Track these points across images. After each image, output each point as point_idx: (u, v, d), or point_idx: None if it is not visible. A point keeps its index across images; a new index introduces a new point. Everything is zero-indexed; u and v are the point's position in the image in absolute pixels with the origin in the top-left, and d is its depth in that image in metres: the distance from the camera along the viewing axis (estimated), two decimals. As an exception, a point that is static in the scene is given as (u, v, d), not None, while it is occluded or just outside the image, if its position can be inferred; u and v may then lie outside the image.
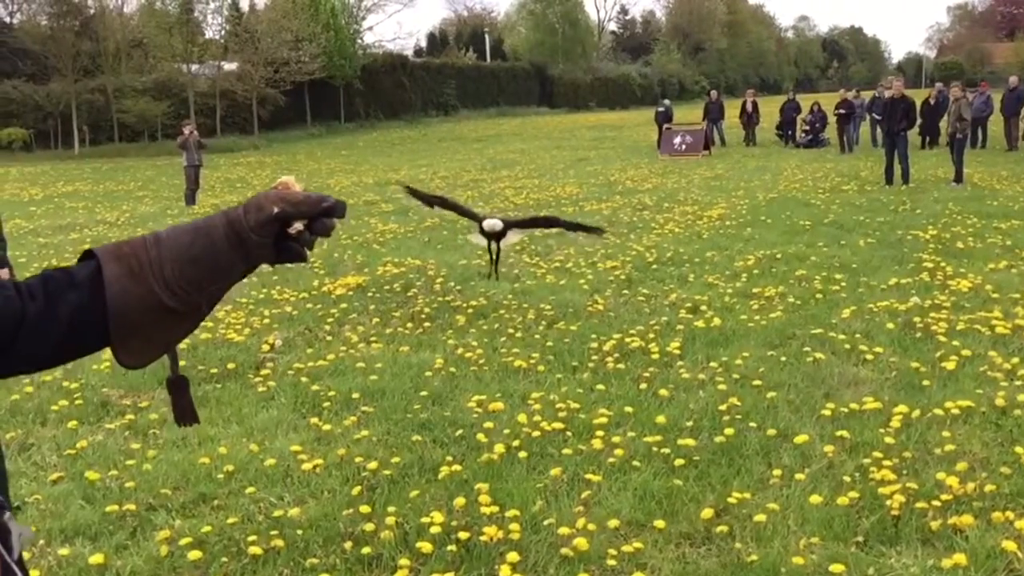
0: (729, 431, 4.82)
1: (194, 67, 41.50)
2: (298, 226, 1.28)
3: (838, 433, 4.79)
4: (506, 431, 4.96)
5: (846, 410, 5.13)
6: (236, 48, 43.51)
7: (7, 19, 40.41)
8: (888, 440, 4.64)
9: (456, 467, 4.48)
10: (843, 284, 8.34)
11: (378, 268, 9.86)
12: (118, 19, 44.33)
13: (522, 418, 5.09)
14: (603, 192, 17.02)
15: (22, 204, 19.67)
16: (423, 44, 77.53)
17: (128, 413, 5.47)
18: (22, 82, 39.03)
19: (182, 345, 6.29)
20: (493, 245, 7.46)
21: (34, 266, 10.51)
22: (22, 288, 1.14)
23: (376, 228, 13.13)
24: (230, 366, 6.29)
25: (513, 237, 7.30)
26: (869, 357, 6.12)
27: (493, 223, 7.19)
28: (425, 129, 47.99)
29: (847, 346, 6.36)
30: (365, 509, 4.02)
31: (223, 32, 46.22)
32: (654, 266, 9.61)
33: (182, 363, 6.49)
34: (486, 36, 73.99)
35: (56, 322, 1.14)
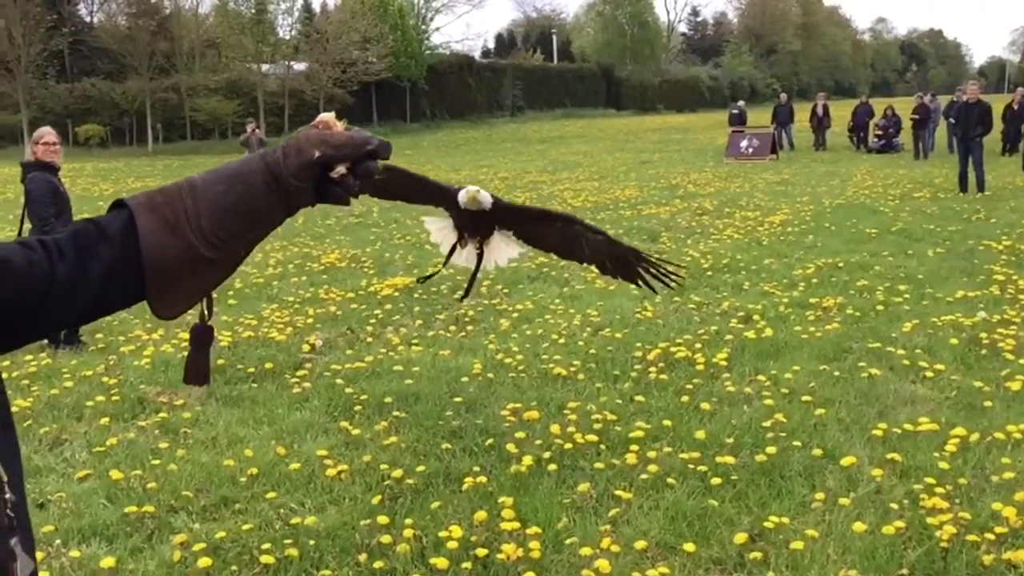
0: (771, 449, 4.58)
1: (264, 67, 42.25)
2: (341, 169, 1.23)
3: (889, 456, 4.51)
4: (538, 442, 4.79)
5: (899, 431, 4.84)
6: (306, 48, 44.16)
7: (88, 19, 41.61)
8: (942, 465, 4.35)
9: (482, 479, 4.34)
10: (907, 296, 7.97)
11: (426, 269, 9.76)
12: (193, 19, 45.40)
13: (555, 429, 4.91)
14: (663, 196, 16.71)
15: (92, 199, 20.14)
16: (491, 45, 77.71)
17: (163, 411, 5.45)
18: (100, 80, 40.21)
19: (224, 342, 6.30)
20: (469, 249, 3.58)
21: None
22: (51, 246, 1.10)
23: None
24: (268, 366, 6.24)
25: (504, 246, 3.60)
26: (929, 374, 5.80)
27: (477, 195, 3.31)
28: (489, 130, 48.04)
29: (906, 362, 6.05)
30: (384, 520, 3.90)
31: (294, 32, 46.96)
32: (709, 273, 9.34)
33: (222, 343, 6.51)
34: (553, 37, 73.86)
35: (88, 281, 1.11)
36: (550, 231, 3.35)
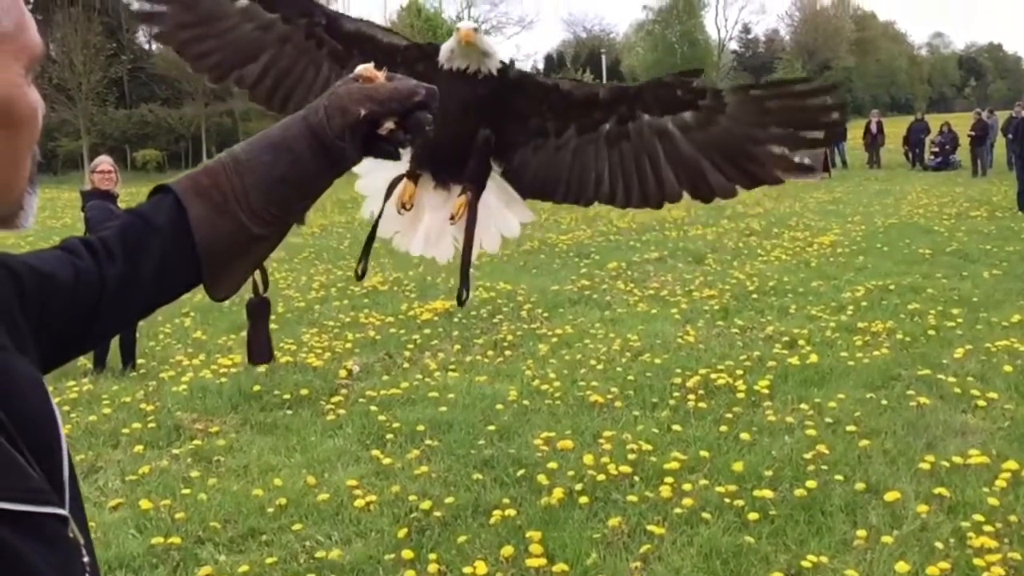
0: (812, 483, 4.43)
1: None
2: (389, 124, 1.19)
3: (936, 490, 4.32)
4: (570, 472, 4.70)
5: (948, 464, 4.65)
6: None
7: (146, 46, 42.70)
8: (992, 501, 4.16)
9: (511, 511, 4.25)
10: (960, 320, 7.71)
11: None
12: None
13: (589, 459, 4.81)
14: (710, 216, 16.50)
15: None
16: (540, 66, 77.99)
17: (197, 438, 5.47)
18: (157, 106, 41.20)
19: (261, 368, 6.33)
20: (437, 204, 2.21)
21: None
22: (98, 249, 1.08)
23: (474, 251, 13.02)
24: (304, 392, 6.24)
25: (497, 209, 2.21)
26: (981, 403, 5.58)
27: (474, 37, 1.99)
28: (539, 150, 48.08)
29: (957, 390, 5.83)
30: (408, 554, 3.84)
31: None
32: (754, 296, 9.15)
33: (259, 369, 6.50)
34: (603, 57, 73.92)
35: (140, 278, 1.10)
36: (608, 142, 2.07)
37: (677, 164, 2.02)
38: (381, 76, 1.22)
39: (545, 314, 8.63)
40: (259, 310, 1.29)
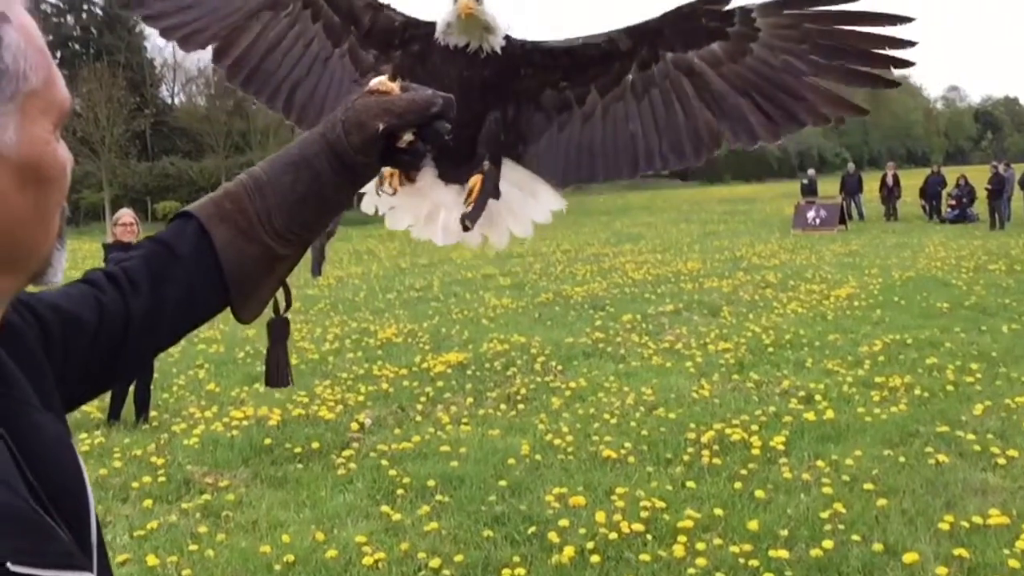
0: (828, 543, 4.34)
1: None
2: (408, 137, 1.19)
3: (956, 552, 4.23)
4: (582, 530, 4.63)
5: (968, 524, 4.55)
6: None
7: (169, 101, 43.55)
8: (1013, 563, 4.06)
9: (521, 570, 4.19)
10: (979, 375, 7.61)
11: (482, 345, 9.72)
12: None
13: (601, 516, 4.74)
14: (726, 268, 16.48)
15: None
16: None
17: (207, 492, 5.44)
18: (178, 159, 41.84)
19: (273, 421, 6.30)
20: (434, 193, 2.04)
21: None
22: (122, 281, 1.08)
23: (489, 303, 13.06)
24: (315, 445, 6.21)
25: (516, 198, 2.02)
26: (1001, 461, 5.48)
27: (473, 8, 1.80)
28: (555, 202, 48.28)
29: (976, 447, 5.73)
30: (416, 613, 3.77)
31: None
32: (770, 349, 9.08)
33: (271, 422, 6.44)
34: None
35: (165, 308, 1.09)
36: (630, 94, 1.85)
37: (712, 104, 1.81)
38: (396, 87, 1.22)
39: (559, 367, 8.59)
40: (279, 330, 1.28)
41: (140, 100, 39.32)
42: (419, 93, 1.21)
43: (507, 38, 1.83)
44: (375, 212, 2.01)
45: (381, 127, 1.16)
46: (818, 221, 24.67)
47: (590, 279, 15.60)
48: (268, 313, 1.28)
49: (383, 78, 1.25)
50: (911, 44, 1.73)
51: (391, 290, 14.98)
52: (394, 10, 1.98)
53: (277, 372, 1.31)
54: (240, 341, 10.06)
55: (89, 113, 34.46)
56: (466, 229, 1.86)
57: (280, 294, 1.23)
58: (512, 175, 1.96)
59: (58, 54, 38.53)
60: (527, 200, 2.00)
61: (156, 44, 44.72)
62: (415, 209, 2.03)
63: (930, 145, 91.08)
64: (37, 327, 0.97)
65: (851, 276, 14.56)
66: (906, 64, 1.77)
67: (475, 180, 1.86)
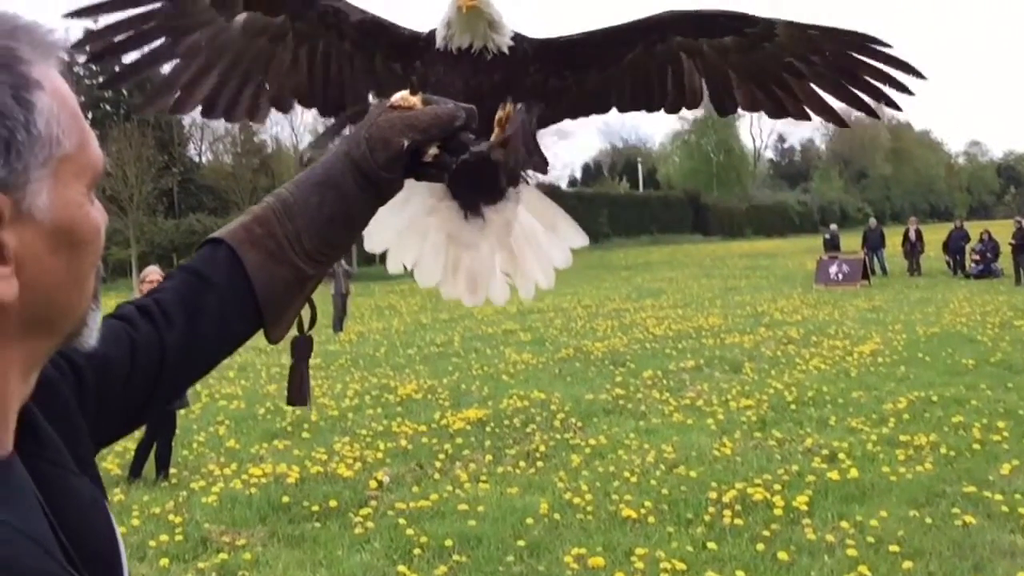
0: (853, 608, 4.24)
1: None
2: (433, 151, 1.19)
3: (985, 618, 4.12)
4: (601, 593, 4.55)
5: (997, 589, 4.43)
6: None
7: (196, 159, 44.32)
8: (1046, 631, 3.94)
9: (538, 633, 4.11)
10: (1006, 434, 7.48)
11: (502, 401, 9.68)
12: (293, 154, 47.84)
13: (620, 578, 4.67)
14: (748, 324, 16.39)
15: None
16: (578, 175, 79.44)
17: (224, 551, 5.41)
18: (205, 216, 42.38)
19: (291, 478, 6.29)
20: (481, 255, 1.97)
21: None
22: (156, 315, 1.08)
23: (509, 358, 13.04)
24: (332, 504, 6.17)
25: (536, 240, 1.99)
26: (1031, 523, 5.35)
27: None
28: (575, 257, 48.42)
29: (1004, 508, 5.61)
30: (431, 678, 3.71)
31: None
32: (792, 406, 8.99)
33: (289, 479, 6.42)
34: (639, 166, 75.11)
35: (200, 339, 1.10)
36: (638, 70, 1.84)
37: (706, 75, 1.84)
38: (418, 101, 1.21)
39: (579, 424, 8.53)
40: (303, 348, 1.27)
41: (168, 159, 40.01)
42: (443, 107, 1.21)
43: (515, 36, 1.70)
44: (403, 269, 1.89)
45: (406, 144, 1.17)
46: (840, 276, 24.54)
47: (611, 334, 15.56)
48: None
49: (405, 93, 1.23)
50: (910, 92, 1.80)
51: (412, 345, 15.01)
52: (396, 27, 1.85)
53: (299, 390, 1.32)
54: (261, 398, 10.09)
55: (118, 172, 35.11)
56: (494, 160, 1.61)
57: (305, 312, 1.24)
58: (533, 209, 1.90)
59: (89, 115, 39.44)
60: (548, 240, 1.94)
61: (185, 104, 45.70)
62: (440, 258, 1.90)
63: (953, 200, 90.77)
64: (72, 376, 0.97)
65: (875, 332, 14.43)
66: (895, 106, 1.83)
67: (505, 112, 1.64)
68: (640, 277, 31.90)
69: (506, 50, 1.67)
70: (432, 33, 1.75)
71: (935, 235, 28.92)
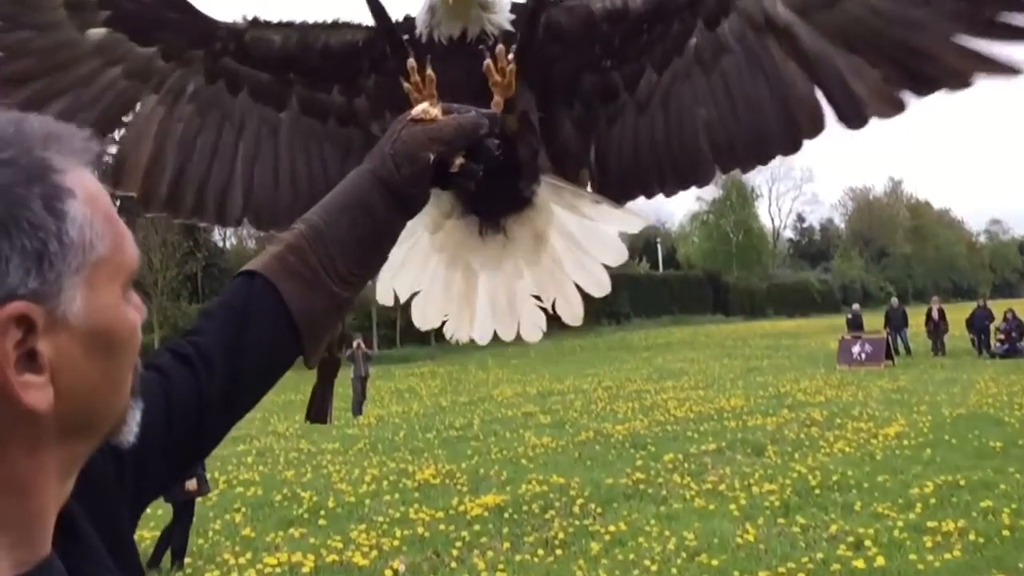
0: None
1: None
2: (458, 160, 1.17)
3: None
4: None
5: None
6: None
7: (220, 244, 44.99)
8: None
9: None
10: (1036, 519, 7.29)
11: (521, 486, 9.56)
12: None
13: (640, 673, 4.54)
14: (770, 405, 16.19)
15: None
16: (598, 256, 79.63)
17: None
18: (230, 300, 42.80)
19: (307, 567, 6.21)
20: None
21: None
22: (195, 361, 1.07)
23: (529, 442, 12.92)
24: (347, 593, 6.08)
25: (580, 228, 1.64)
26: (1065, 614, 5.18)
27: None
28: (596, 338, 48.34)
29: (1038, 598, 5.44)
30: None
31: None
32: (816, 491, 8.81)
33: (304, 568, 6.33)
34: (658, 246, 75.41)
35: (241, 382, 1.09)
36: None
37: (805, 67, 1.38)
38: (438, 112, 1.18)
39: (598, 509, 8.40)
40: (330, 369, 1.27)
41: (192, 244, 40.62)
42: (465, 117, 1.20)
43: (514, 6, 1.44)
44: (393, 299, 1.66)
45: (432, 157, 1.15)
46: (863, 356, 24.30)
47: (631, 416, 15.42)
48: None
49: (425, 105, 1.18)
50: None
51: (431, 429, 14.92)
52: (346, 26, 1.55)
53: (321, 409, 1.32)
54: (278, 484, 10.03)
55: (143, 258, 35.57)
56: (509, 134, 1.39)
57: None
58: (565, 223, 1.57)
59: (116, 203, 40.27)
60: (583, 259, 1.63)
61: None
62: (445, 288, 1.62)
63: (976, 278, 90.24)
64: (112, 455, 0.96)
65: (899, 413, 14.21)
66: None
67: (499, 62, 1.36)
68: (661, 358, 31.73)
69: (507, 25, 1.42)
70: (391, 29, 1.48)
71: (959, 314, 28.65)
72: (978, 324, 26.20)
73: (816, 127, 1.41)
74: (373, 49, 1.52)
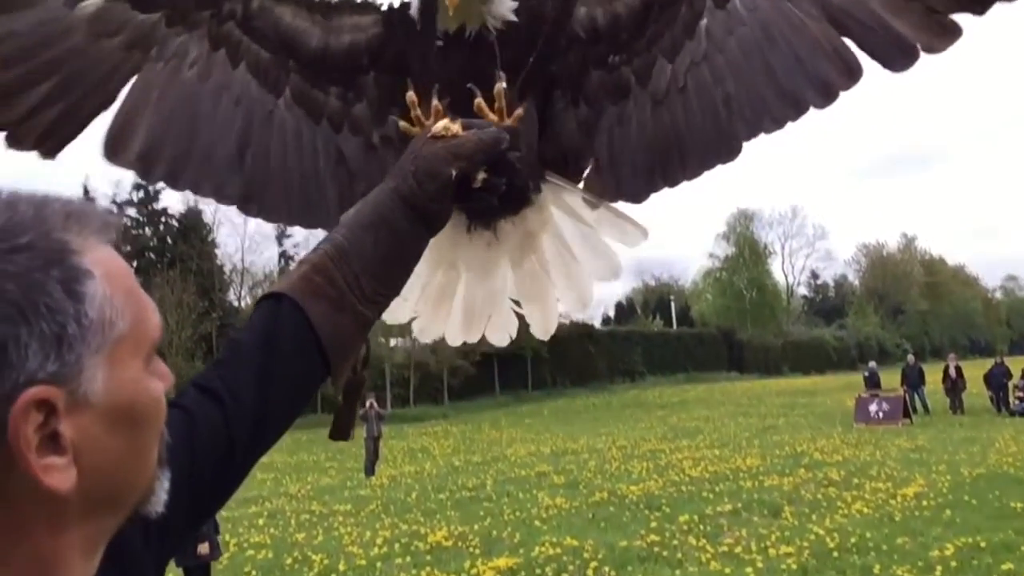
0: None
1: (392, 341, 44.35)
2: (480, 175, 1.16)
3: None
4: None
5: None
6: (433, 323, 46.34)
7: (235, 303, 45.19)
8: None
9: None
10: (1061, 583, 7.14)
11: (534, 548, 9.45)
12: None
13: None
14: (787, 465, 15.99)
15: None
16: (611, 313, 79.71)
17: None
18: (243, 360, 42.87)
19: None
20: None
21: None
22: (223, 397, 1.05)
23: (542, 502, 12.79)
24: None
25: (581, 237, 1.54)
26: None
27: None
28: (610, 396, 48.08)
29: (1063, 666, 5.30)
30: None
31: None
32: (835, 554, 8.66)
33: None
34: (672, 303, 75.34)
35: (271, 413, 1.08)
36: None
37: (833, 22, 1.32)
38: (458, 128, 1.17)
39: (612, 572, 8.27)
40: (355, 388, 1.25)
41: (208, 304, 40.88)
42: (486, 132, 1.19)
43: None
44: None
45: (454, 174, 1.15)
46: (881, 415, 24.04)
47: (646, 476, 15.26)
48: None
49: (445, 121, 1.17)
50: None
51: (443, 490, 14.80)
52: (361, 7, 1.46)
53: (344, 428, 1.31)
54: (289, 546, 9.95)
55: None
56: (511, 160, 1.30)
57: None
58: (560, 227, 1.49)
59: (134, 263, 40.75)
60: (572, 269, 1.53)
61: (226, 252, 47.01)
62: (424, 286, 1.56)
63: (993, 334, 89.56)
64: (139, 520, 0.95)
65: (918, 473, 14.01)
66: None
67: (498, 93, 1.27)
68: (676, 416, 31.48)
69: (510, 16, 1.34)
70: (401, 13, 1.39)
71: (976, 371, 28.38)
72: (996, 381, 25.92)
73: (852, 76, 1.34)
74: (375, 43, 1.44)
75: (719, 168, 1.46)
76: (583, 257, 1.49)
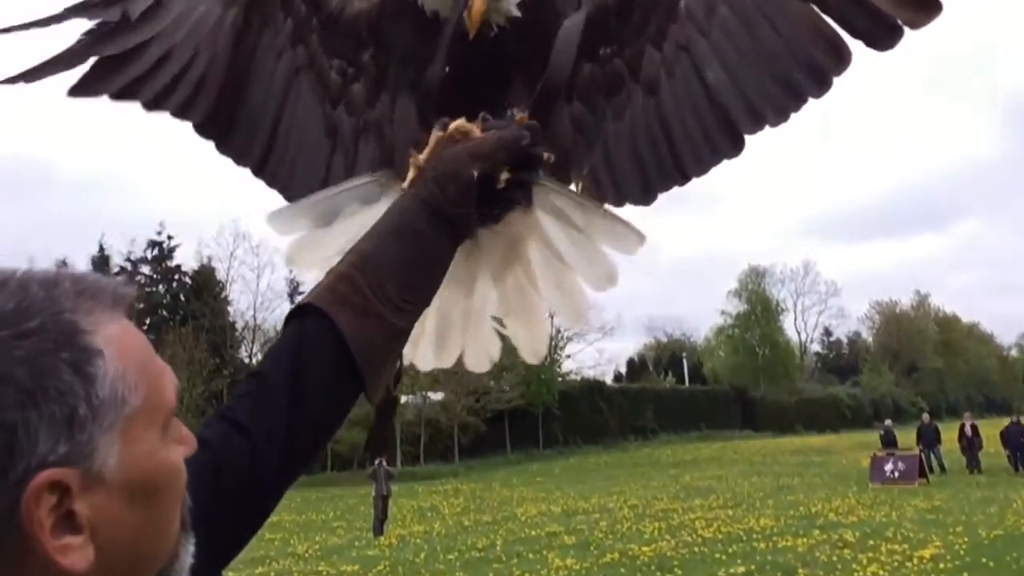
0: None
1: (403, 398, 44.25)
2: (504, 175, 1.14)
3: None
4: None
5: None
6: (442, 379, 46.22)
7: (246, 360, 45.24)
8: None
9: None
10: (1082, 649, 6.97)
11: (543, 611, 9.30)
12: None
13: None
14: (801, 525, 15.75)
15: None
16: (622, 370, 79.40)
17: None
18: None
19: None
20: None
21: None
22: (258, 441, 1.03)
23: (552, 563, 12.62)
24: None
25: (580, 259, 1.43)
26: None
27: None
28: (622, 454, 47.64)
29: None
30: None
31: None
32: (850, 618, 8.50)
33: None
34: (684, 360, 74.99)
35: (303, 442, 1.06)
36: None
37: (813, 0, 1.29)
38: (476, 128, 1.15)
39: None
40: (389, 407, 1.25)
41: (219, 361, 40.95)
42: (505, 131, 1.16)
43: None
44: None
45: (476, 175, 1.12)
46: (897, 474, 23.72)
47: (658, 537, 15.06)
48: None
49: (462, 121, 1.15)
50: None
51: (453, 550, 14.62)
52: None
53: (379, 444, 1.29)
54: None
55: (169, 375, 35.93)
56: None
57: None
58: (549, 233, 1.41)
59: (147, 320, 40.98)
60: (563, 279, 1.45)
61: (239, 308, 47.18)
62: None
63: (1009, 392, 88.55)
64: None
65: (935, 535, 13.78)
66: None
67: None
68: (688, 475, 31.12)
69: (514, 11, 1.30)
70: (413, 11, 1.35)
71: (993, 429, 28.04)
72: (1013, 440, 25.60)
73: (841, 60, 1.34)
74: (375, 15, 1.41)
75: (720, 166, 1.45)
76: (575, 264, 1.40)
